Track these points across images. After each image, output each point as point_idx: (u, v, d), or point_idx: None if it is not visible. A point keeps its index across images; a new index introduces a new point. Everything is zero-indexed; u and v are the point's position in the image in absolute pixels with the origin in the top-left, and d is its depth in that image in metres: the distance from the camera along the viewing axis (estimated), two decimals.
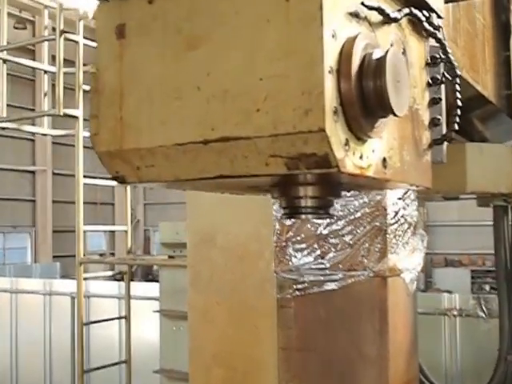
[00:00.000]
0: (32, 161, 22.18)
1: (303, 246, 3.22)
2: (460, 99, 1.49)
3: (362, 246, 3.08)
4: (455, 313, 7.55)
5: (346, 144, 1.09)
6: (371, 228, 3.08)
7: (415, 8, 1.38)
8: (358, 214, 3.11)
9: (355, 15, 1.15)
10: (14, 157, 21.10)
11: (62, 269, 24.14)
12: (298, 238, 3.24)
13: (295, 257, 3.23)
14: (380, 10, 1.22)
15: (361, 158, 1.13)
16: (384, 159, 1.21)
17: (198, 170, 1.17)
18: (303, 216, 1.27)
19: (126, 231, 7.30)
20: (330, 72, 1.05)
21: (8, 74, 7.58)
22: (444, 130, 1.50)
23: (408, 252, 3.29)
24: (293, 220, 2.84)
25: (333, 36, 1.06)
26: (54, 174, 23.37)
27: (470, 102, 3.91)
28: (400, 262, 3.16)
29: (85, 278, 7.26)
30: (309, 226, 3.21)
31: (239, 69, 1.11)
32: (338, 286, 3.08)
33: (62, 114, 6.55)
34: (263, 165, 1.09)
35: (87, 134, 7.88)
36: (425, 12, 1.42)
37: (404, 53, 1.36)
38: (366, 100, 1.11)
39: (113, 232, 25.15)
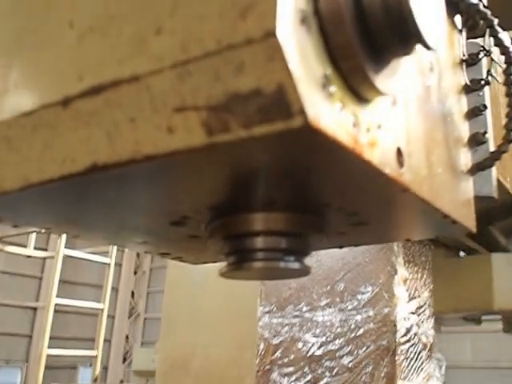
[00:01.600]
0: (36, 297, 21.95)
1: (291, 369, 2.60)
2: None
3: (364, 370, 2.46)
4: None
5: (325, 85, 0.59)
6: (376, 348, 2.47)
7: None
8: (361, 331, 2.51)
9: None
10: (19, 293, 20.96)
11: None
12: (286, 360, 2.62)
13: (281, 383, 2.59)
14: None
15: (355, 125, 0.65)
16: (399, 150, 0.74)
17: (57, 159, 0.66)
18: (258, 264, 0.76)
19: (95, 356, 6.61)
20: None
21: None
22: (492, 149, 1.09)
23: (422, 380, 2.66)
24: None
25: None
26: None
27: (494, 210, 3.45)
28: None
29: None
30: (300, 345, 2.61)
31: None
32: None
33: (43, 231, 6.20)
34: (164, 132, 0.58)
35: (70, 252, 7.44)
36: None
37: None
38: (365, 11, 0.63)
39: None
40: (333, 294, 2.56)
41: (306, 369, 2.57)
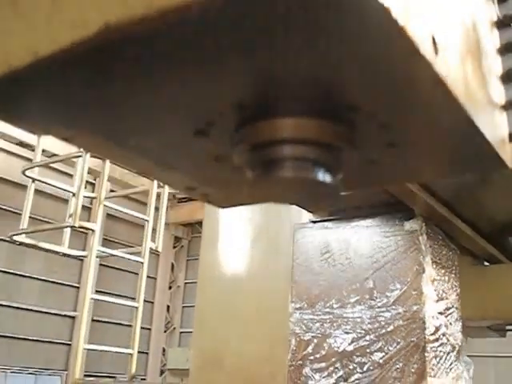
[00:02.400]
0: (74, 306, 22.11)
1: (323, 365, 2.66)
2: None
3: (395, 365, 2.51)
4: None
5: None
6: (406, 344, 2.53)
7: None
8: (391, 328, 2.57)
9: None
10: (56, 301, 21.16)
11: None
12: (317, 356, 2.69)
13: (313, 378, 2.66)
14: None
15: None
16: (433, 39, 0.68)
17: (66, 22, 0.60)
18: (287, 173, 0.68)
19: (131, 354, 6.69)
20: None
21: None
22: None
23: (451, 380, 2.70)
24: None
25: None
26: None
27: None
28: None
29: None
30: (331, 341, 2.68)
31: None
32: None
33: (77, 225, 6.39)
34: None
35: (102, 248, 7.57)
36: None
37: None
38: None
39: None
40: (362, 291, 2.63)
41: (338, 364, 2.63)
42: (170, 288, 25.39)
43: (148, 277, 7.51)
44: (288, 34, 0.57)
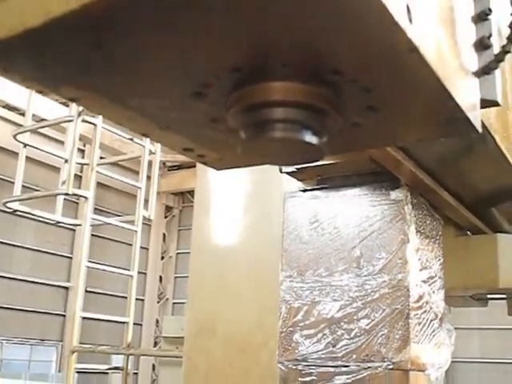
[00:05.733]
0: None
1: (312, 331, 2.77)
2: None
3: (380, 332, 2.63)
4: None
5: None
6: (391, 311, 2.64)
7: None
8: (377, 295, 2.68)
9: None
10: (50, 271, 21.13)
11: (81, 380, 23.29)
12: (307, 323, 2.80)
13: (302, 344, 2.77)
14: None
15: None
16: (408, 7, 0.72)
17: None
18: (277, 134, 0.75)
19: (126, 323, 6.82)
20: None
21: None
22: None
23: (434, 346, 2.82)
24: None
25: None
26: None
27: (499, 190, 3.57)
28: (424, 355, 2.69)
29: (77, 372, 6.70)
30: (320, 308, 2.78)
31: None
32: (352, 380, 2.61)
33: (70, 192, 6.46)
34: None
35: (97, 217, 7.62)
36: None
37: None
38: None
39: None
40: (350, 260, 2.73)
41: (326, 331, 2.74)
42: (162, 258, 25.49)
43: (140, 247, 7.61)
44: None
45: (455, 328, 3.18)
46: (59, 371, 22.59)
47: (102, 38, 0.69)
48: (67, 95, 0.86)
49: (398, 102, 0.85)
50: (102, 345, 12.47)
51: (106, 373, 16.86)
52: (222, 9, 0.62)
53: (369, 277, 2.70)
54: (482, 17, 1.07)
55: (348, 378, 2.63)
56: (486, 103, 1.04)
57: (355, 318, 2.70)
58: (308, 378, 2.72)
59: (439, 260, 3.08)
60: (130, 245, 7.68)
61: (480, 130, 0.96)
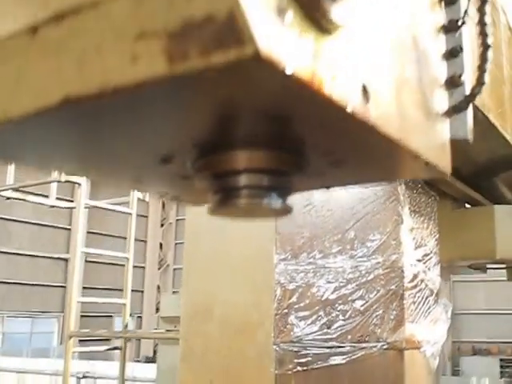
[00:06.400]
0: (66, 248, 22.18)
1: (307, 313, 2.78)
2: (490, 39, 1.05)
3: (375, 313, 2.64)
4: None
5: (281, 11, 0.58)
6: (386, 292, 2.65)
7: None
8: (371, 277, 2.68)
9: None
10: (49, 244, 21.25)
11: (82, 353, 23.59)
12: (302, 305, 2.81)
13: (298, 326, 2.79)
14: None
15: (315, 56, 0.64)
16: (364, 86, 0.72)
17: (31, 91, 0.66)
18: (242, 202, 0.76)
19: (124, 304, 6.86)
20: None
21: None
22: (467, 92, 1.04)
23: (429, 323, 2.83)
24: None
25: None
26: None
27: (497, 161, 3.55)
28: (420, 333, 2.70)
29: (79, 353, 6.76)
30: (314, 290, 2.79)
31: None
32: (347, 360, 2.63)
33: (63, 180, 6.43)
34: (128, 60, 0.58)
35: (90, 201, 7.63)
36: None
37: None
38: None
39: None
40: (344, 241, 2.73)
41: (321, 312, 2.75)
42: (162, 226, 25.61)
43: (139, 215, 7.62)
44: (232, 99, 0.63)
45: (461, 281, 3.20)
46: (61, 343, 22.87)
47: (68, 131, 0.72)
48: (49, 168, 0.95)
49: (362, 158, 0.86)
50: (104, 314, 12.61)
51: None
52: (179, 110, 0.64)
53: (363, 258, 2.70)
54: (453, 53, 1.05)
55: (343, 359, 2.65)
56: (456, 141, 1.01)
57: (350, 299, 2.71)
58: (303, 359, 2.74)
59: (434, 236, 3.08)
60: (130, 214, 7.67)
61: (449, 170, 0.96)
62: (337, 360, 2.66)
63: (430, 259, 2.94)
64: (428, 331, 2.81)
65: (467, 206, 4.06)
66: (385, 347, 2.57)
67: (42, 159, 0.84)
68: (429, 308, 2.85)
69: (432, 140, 0.95)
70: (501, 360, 25.04)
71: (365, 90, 0.72)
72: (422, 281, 2.82)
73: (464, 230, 3.67)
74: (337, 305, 2.73)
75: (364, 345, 2.62)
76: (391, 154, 0.85)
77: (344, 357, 2.64)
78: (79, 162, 0.87)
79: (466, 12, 1.05)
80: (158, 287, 24.83)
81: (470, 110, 1.02)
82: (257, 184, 0.77)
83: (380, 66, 0.79)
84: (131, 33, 0.58)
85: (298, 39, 0.60)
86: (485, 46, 1.01)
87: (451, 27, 1.05)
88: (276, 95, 0.63)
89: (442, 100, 1.01)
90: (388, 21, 0.83)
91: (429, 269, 2.92)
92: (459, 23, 1.04)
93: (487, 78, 0.99)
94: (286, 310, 2.84)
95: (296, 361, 2.75)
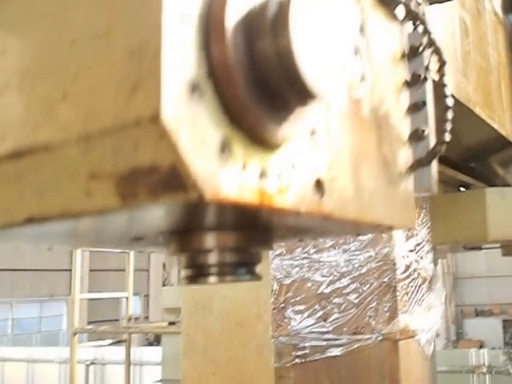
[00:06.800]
0: None
1: (303, 307, 2.85)
2: (450, 100, 1.04)
3: (369, 305, 2.70)
4: (484, 370, 6.96)
5: (224, 148, 0.61)
6: (379, 285, 2.71)
7: None
8: (364, 270, 2.75)
9: None
10: None
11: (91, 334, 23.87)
12: (298, 299, 2.87)
13: (294, 319, 2.85)
14: None
15: (262, 176, 0.66)
16: (319, 182, 0.74)
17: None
18: (212, 279, 0.81)
19: (126, 298, 6.95)
20: (181, 17, 0.59)
21: None
22: (431, 145, 1.06)
23: (423, 310, 2.90)
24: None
25: None
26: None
27: (486, 145, 3.60)
28: (413, 323, 2.77)
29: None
30: (309, 284, 2.85)
31: (42, 32, 0.66)
32: (343, 352, 2.70)
33: None
34: (83, 195, 0.63)
35: None
36: None
37: (362, 30, 0.92)
38: (260, 68, 0.63)
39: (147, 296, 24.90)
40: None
41: (317, 306, 2.82)
42: None
43: None
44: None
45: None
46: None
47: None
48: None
49: (323, 233, 0.92)
50: (110, 296, 12.75)
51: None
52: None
53: (356, 252, 2.76)
54: (417, 107, 1.06)
55: (340, 351, 2.72)
56: (421, 195, 1.04)
57: (344, 292, 2.77)
58: (301, 352, 2.81)
59: (426, 225, 3.13)
60: None
61: (413, 227, 1.01)
62: (334, 352, 2.73)
63: (422, 248, 3.00)
64: (422, 319, 2.88)
65: (462, 189, 4.13)
66: (380, 339, 2.64)
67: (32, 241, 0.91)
68: (422, 296, 2.91)
69: (395, 202, 0.96)
70: (503, 321, 25.34)
71: (319, 185, 0.74)
72: (415, 270, 2.88)
73: (456, 213, 3.74)
74: (332, 298, 2.79)
75: (359, 337, 2.69)
76: (352, 228, 0.90)
77: (341, 349, 2.71)
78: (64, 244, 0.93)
79: (427, 67, 1.07)
80: (164, 265, 24.94)
81: (433, 164, 1.04)
82: (225, 262, 0.80)
83: (336, 153, 0.80)
84: (84, 173, 0.62)
85: (243, 171, 0.63)
86: (445, 107, 1.02)
87: (414, 81, 1.06)
88: (227, 216, 0.69)
89: (405, 156, 1.03)
90: (344, 102, 0.85)
91: (421, 257, 2.98)
92: (421, 78, 1.05)
93: (448, 136, 1.01)
94: (282, 305, 2.91)
95: (294, 353, 2.82)
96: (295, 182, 0.71)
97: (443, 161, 3.39)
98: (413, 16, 1.05)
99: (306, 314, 2.84)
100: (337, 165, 0.80)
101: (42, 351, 15.00)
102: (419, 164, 1.02)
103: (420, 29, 1.07)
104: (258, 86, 0.64)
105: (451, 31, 2.77)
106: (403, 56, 1.09)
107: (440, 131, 1.02)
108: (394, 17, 1.06)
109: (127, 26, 0.59)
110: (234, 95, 0.61)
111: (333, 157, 0.80)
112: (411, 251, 2.87)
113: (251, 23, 0.63)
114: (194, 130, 0.57)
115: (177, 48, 0.57)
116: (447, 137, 1.01)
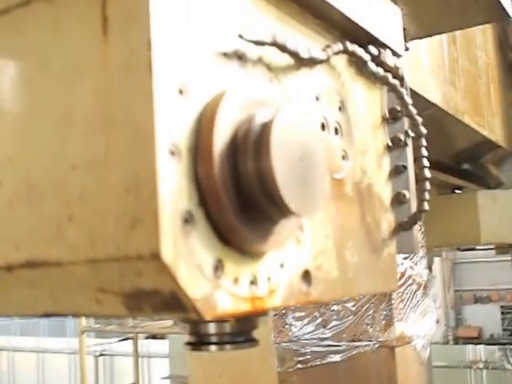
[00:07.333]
0: None
1: (303, 314, 2.98)
2: (428, 168, 1.11)
3: (366, 313, 2.83)
4: (481, 366, 7.09)
5: (218, 268, 0.67)
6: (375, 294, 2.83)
7: (356, 43, 0.99)
8: None
9: (237, 56, 0.75)
10: None
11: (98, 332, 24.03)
12: (298, 306, 3.00)
13: (295, 326, 2.98)
14: (280, 47, 0.81)
15: (253, 283, 0.72)
16: (306, 272, 0.80)
17: (13, 305, 0.79)
18: (213, 348, 0.86)
19: None
20: (172, 153, 0.63)
21: None
22: (413, 208, 1.10)
23: (418, 316, 3.03)
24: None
25: (180, 92, 0.66)
26: None
27: (478, 148, 3.68)
28: (409, 329, 2.90)
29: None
30: None
31: (47, 150, 0.71)
32: (342, 358, 2.83)
33: None
34: (94, 302, 0.69)
35: None
36: (372, 48, 1.04)
37: (342, 108, 0.97)
38: (246, 194, 0.69)
39: None
40: None
41: (316, 313, 2.94)
42: None
43: None
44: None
45: None
46: None
47: None
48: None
49: None
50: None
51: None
52: None
53: None
54: (398, 171, 1.09)
55: (340, 357, 2.85)
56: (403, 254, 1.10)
57: (342, 300, 2.89)
58: (303, 358, 2.94)
59: (420, 230, 3.24)
60: None
61: (396, 289, 1.06)
62: (334, 358, 2.86)
63: (416, 254, 3.11)
64: (417, 325, 3.00)
65: (457, 191, 4.21)
66: (377, 346, 2.77)
67: None
68: (417, 302, 3.03)
69: (378, 270, 1.02)
70: (501, 307, 25.45)
71: (307, 275, 0.81)
72: (410, 277, 3.00)
73: (449, 216, 3.83)
74: (330, 305, 2.92)
75: (358, 343, 2.82)
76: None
77: (340, 355, 2.84)
78: None
79: (406, 133, 1.11)
80: None
81: (415, 228, 1.09)
82: (225, 332, 0.84)
83: (322, 241, 0.86)
84: (93, 287, 0.68)
85: (235, 284, 0.69)
86: (423, 178, 1.08)
87: (395, 145, 1.10)
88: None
89: (388, 220, 1.07)
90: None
91: (415, 264, 3.09)
92: (402, 142, 1.09)
93: (427, 205, 1.08)
94: (283, 311, 3.03)
95: (296, 359, 2.95)
96: (284, 279, 0.77)
97: (436, 165, 3.49)
98: (392, 87, 1.09)
99: (305, 321, 2.96)
100: (322, 252, 0.86)
101: (51, 341, 15.17)
102: (401, 228, 1.07)
103: (400, 102, 1.11)
104: (245, 206, 0.69)
105: (438, 39, 2.80)
106: (384, 120, 1.12)
107: (420, 198, 1.08)
108: (374, 83, 1.10)
109: (123, 157, 0.63)
110: (224, 220, 0.67)
111: (319, 245, 0.85)
112: (405, 258, 2.99)
113: (235, 152, 0.69)
114: (189, 259, 0.63)
115: (170, 184, 0.62)
116: (426, 206, 1.07)
